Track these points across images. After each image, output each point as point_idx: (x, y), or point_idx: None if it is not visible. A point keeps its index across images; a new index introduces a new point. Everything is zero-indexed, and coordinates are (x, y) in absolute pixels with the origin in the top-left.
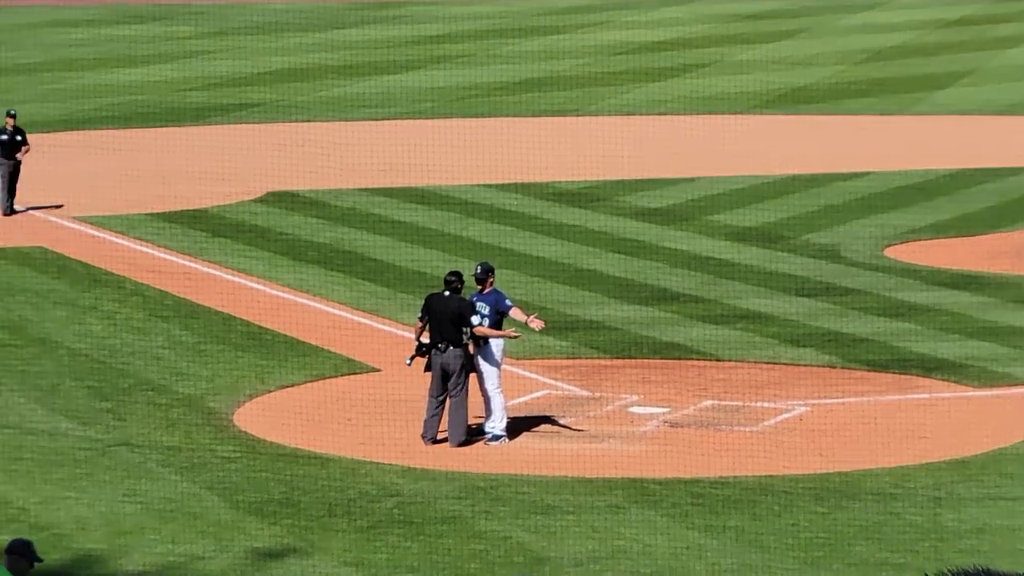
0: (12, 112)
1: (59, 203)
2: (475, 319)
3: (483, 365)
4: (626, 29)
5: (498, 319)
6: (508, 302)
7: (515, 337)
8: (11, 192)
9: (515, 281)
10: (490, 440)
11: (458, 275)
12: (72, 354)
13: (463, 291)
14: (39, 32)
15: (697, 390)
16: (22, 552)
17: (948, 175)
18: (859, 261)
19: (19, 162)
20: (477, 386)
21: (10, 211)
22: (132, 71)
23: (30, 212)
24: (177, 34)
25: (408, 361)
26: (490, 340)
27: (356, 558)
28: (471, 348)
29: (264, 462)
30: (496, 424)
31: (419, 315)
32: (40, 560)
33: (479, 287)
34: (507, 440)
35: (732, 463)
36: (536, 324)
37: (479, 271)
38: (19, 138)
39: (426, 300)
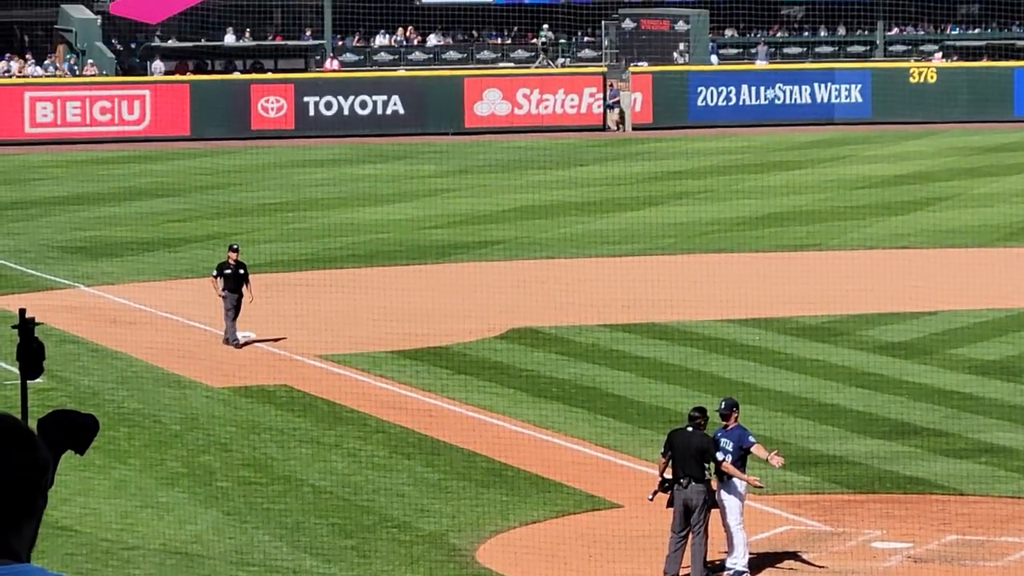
0: (236, 246)
1: (282, 336)
2: (719, 455)
3: (726, 499)
4: (867, 163)
5: (742, 455)
6: (751, 438)
7: (758, 487)
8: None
9: (757, 416)
10: None
11: (702, 411)
12: (316, 491)
13: (707, 427)
14: (283, 172)
15: (940, 525)
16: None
17: None
18: None
19: (242, 295)
20: (719, 521)
21: (235, 343)
22: (375, 210)
23: (274, 350)
24: (419, 172)
25: (651, 496)
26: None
27: None
28: (714, 484)
29: None
30: (738, 560)
31: (662, 451)
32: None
33: (723, 423)
34: None
35: None
36: (776, 461)
37: (723, 407)
38: (242, 271)
39: (669, 436)
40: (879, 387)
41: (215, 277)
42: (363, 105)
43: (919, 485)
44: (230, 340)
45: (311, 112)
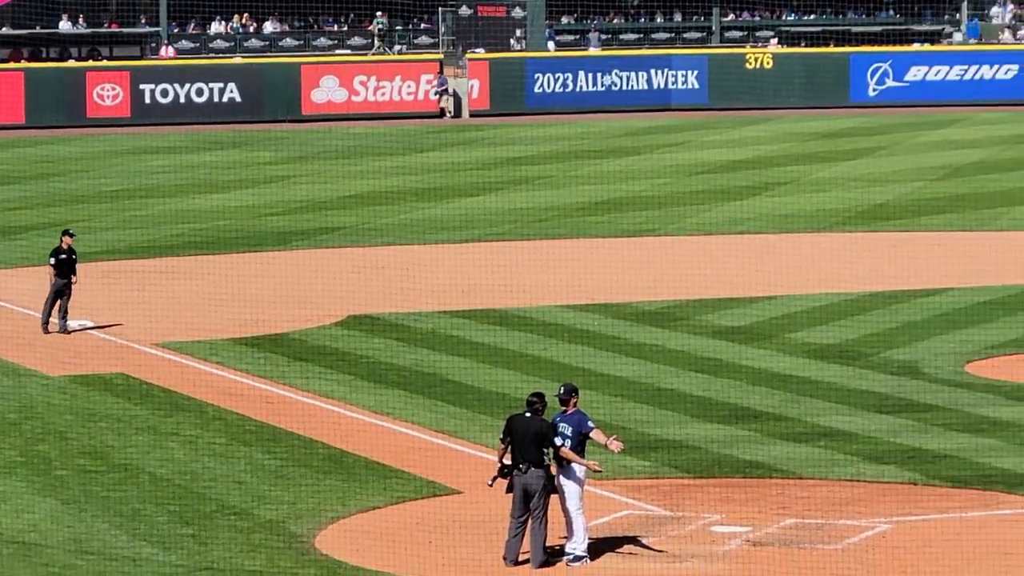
0: (71, 232)
1: (119, 323)
2: (558, 440)
3: (565, 484)
4: (704, 149)
5: (581, 440)
6: (590, 423)
7: (597, 471)
8: (64, 311)
9: (596, 401)
10: (572, 561)
11: (540, 396)
12: (154, 479)
13: (546, 412)
14: (120, 159)
15: (779, 508)
16: None
17: None
18: (940, 377)
19: (71, 282)
20: (559, 506)
21: (64, 329)
22: (213, 197)
23: (111, 338)
24: (257, 160)
25: (490, 482)
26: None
27: None
28: (553, 469)
29: None
30: (578, 545)
31: (501, 436)
32: None
33: (563, 408)
34: (588, 561)
35: None
36: (615, 446)
37: (563, 392)
38: (73, 257)
39: (507, 421)
40: (717, 371)
41: (52, 264)
42: (199, 92)
43: (758, 469)
44: (47, 325)
45: (147, 99)
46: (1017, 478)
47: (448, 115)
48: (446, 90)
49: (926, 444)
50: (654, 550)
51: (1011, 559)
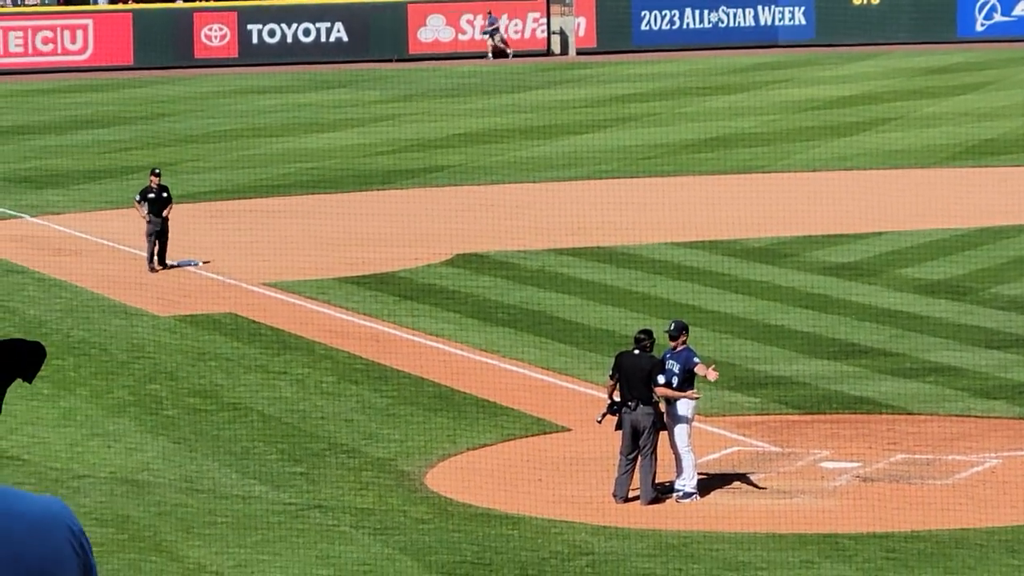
0: (157, 171)
1: (207, 259)
2: (661, 378)
3: (674, 422)
4: (811, 85)
5: (688, 377)
6: (696, 359)
7: (695, 399)
8: (162, 250)
9: (704, 338)
10: (681, 498)
11: (648, 333)
12: (264, 419)
13: (655, 349)
14: (227, 100)
15: (888, 444)
16: None
17: None
18: None
19: (167, 219)
20: (668, 443)
21: (163, 266)
22: (321, 136)
23: (220, 278)
24: (364, 99)
25: (599, 419)
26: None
27: None
28: (662, 406)
29: (456, 523)
30: (687, 482)
31: (610, 373)
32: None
33: (672, 344)
34: (698, 497)
35: (925, 517)
36: (712, 375)
37: (672, 328)
38: (165, 195)
39: (616, 358)
40: (826, 308)
41: (138, 202)
42: (306, 33)
43: (867, 405)
44: (152, 263)
45: (254, 40)
46: None
47: (494, 56)
48: (496, 29)
49: None
50: (763, 486)
51: None
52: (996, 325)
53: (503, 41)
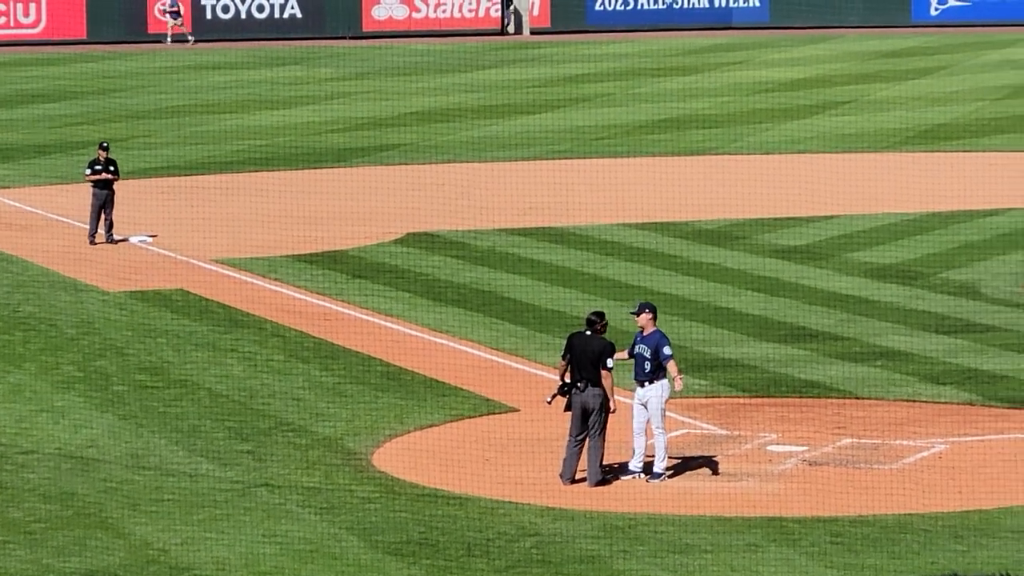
0: (105, 145)
1: (155, 234)
2: (609, 362)
3: (656, 404)
4: (765, 68)
5: (657, 364)
6: (667, 350)
7: (612, 410)
8: (109, 223)
9: None
10: (652, 478)
11: (600, 315)
12: (212, 396)
13: (606, 331)
14: (180, 76)
15: (835, 428)
16: None
17: None
18: (998, 298)
19: (113, 192)
20: (616, 425)
21: (111, 241)
22: (274, 113)
23: (169, 254)
24: (317, 76)
25: (549, 400)
26: (656, 381)
27: None
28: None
29: (403, 502)
30: (660, 463)
31: (562, 354)
32: None
33: (639, 325)
34: (666, 479)
35: (871, 501)
36: (678, 384)
37: (636, 308)
38: (112, 168)
39: (568, 339)
40: (776, 291)
41: (88, 174)
42: (260, 9)
43: (815, 389)
44: (94, 236)
45: (208, 15)
46: None
47: (172, 40)
48: (177, 12)
49: (983, 365)
50: (711, 469)
51: None
52: (945, 310)
53: (183, 25)
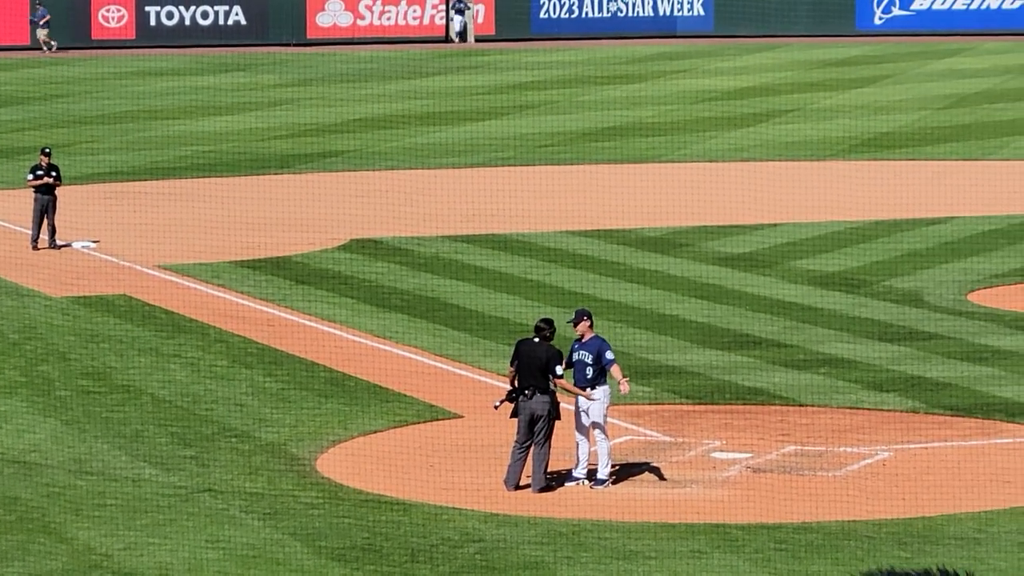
0: (47, 150)
1: (96, 239)
2: (559, 369)
3: (598, 410)
4: (709, 76)
5: (600, 370)
6: (609, 355)
7: (592, 400)
8: (52, 228)
9: (598, 327)
10: (596, 484)
11: (549, 323)
12: (156, 401)
13: (553, 338)
14: (124, 82)
15: (779, 435)
16: None
17: None
18: (942, 306)
19: (55, 198)
20: (561, 431)
21: (53, 246)
22: (217, 120)
23: (113, 260)
24: (261, 83)
25: (497, 405)
26: (599, 387)
27: None
28: (559, 395)
29: (347, 508)
30: (604, 469)
31: (511, 360)
32: None
33: (578, 333)
34: (610, 485)
35: (815, 508)
36: (624, 388)
37: (574, 317)
38: (54, 173)
39: (516, 346)
40: (719, 298)
41: (31, 180)
42: (204, 15)
43: (759, 396)
44: (36, 242)
45: (152, 22)
46: (1017, 407)
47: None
48: (47, 23)
49: (927, 372)
50: (655, 475)
51: (1010, 487)
52: (889, 318)
53: (49, 36)
